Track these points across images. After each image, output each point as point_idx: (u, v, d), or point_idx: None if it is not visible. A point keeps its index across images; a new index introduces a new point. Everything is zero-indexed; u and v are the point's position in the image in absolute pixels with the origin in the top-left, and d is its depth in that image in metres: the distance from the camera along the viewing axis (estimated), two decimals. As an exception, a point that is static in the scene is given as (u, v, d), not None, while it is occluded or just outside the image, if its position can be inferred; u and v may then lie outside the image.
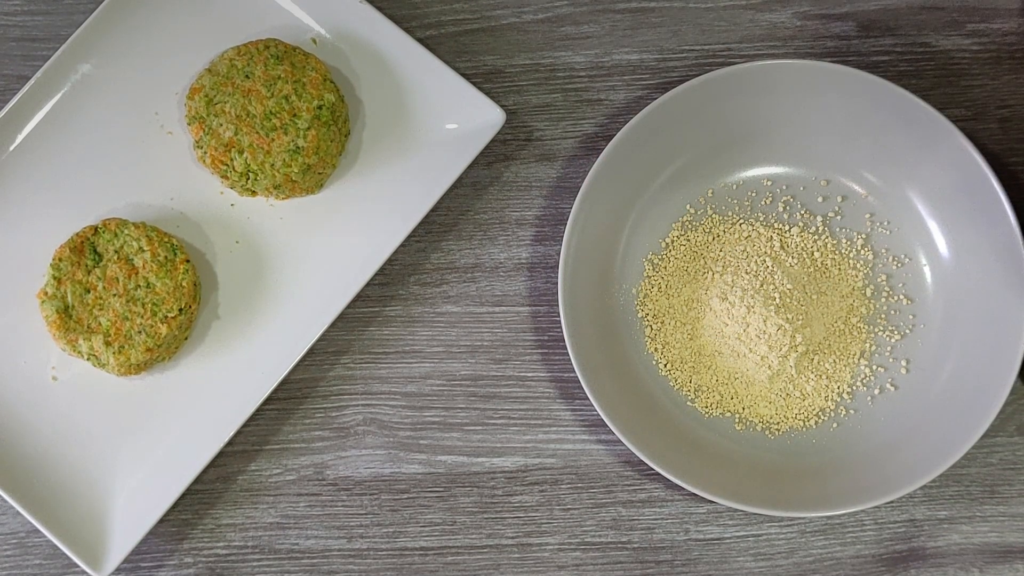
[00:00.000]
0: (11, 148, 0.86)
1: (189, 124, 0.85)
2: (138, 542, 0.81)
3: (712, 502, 0.84)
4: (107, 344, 0.82)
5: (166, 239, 0.84)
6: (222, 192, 0.88)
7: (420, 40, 0.88)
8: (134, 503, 0.83)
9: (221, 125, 0.84)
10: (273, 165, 0.83)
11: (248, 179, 0.84)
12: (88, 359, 0.83)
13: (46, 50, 0.88)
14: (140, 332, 0.82)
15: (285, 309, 0.86)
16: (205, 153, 0.84)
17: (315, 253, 0.87)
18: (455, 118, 0.87)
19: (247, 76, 0.84)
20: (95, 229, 0.84)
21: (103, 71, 0.88)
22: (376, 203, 0.87)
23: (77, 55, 0.87)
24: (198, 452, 0.83)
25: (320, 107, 0.84)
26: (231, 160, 0.84)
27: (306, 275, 0.86)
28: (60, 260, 0.83)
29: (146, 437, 0.85)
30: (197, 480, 0.85)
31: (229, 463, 0.86)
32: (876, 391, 0.86)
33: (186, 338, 0.85)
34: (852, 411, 0.86)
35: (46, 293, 0.83)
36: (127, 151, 0.88)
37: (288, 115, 0.83)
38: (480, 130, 0.86)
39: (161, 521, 0.84)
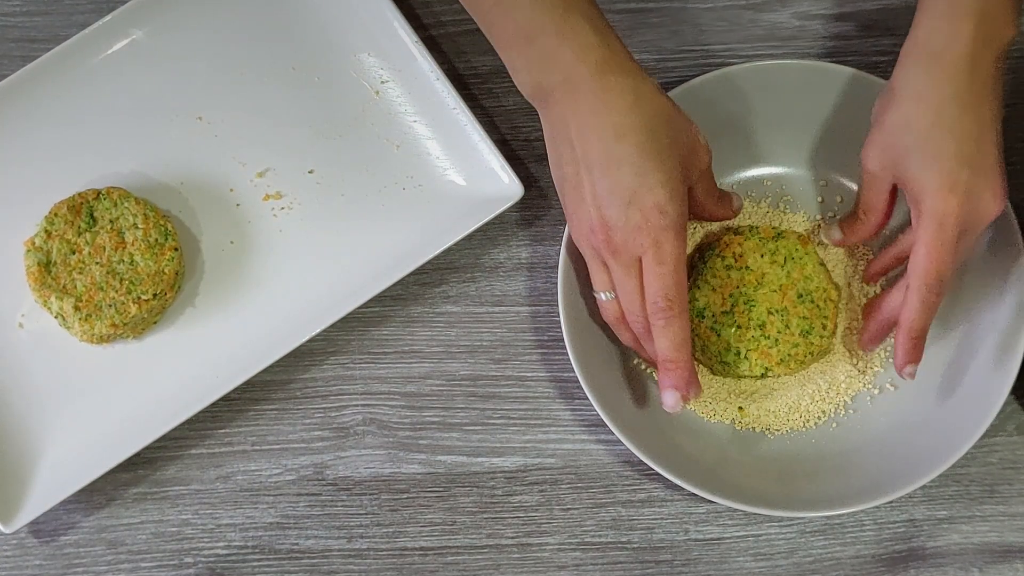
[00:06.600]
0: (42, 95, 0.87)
1: None
2: (52, 507, 0.81)
3: (712, 502, 0.84)
4: (76, 309, 0.83)
5: (162, 222, 0.85)
6: (231, 189, 0.88)
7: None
8: (59, 468, 0.83)
9: None
10: None
11: None
12: (56, 317, 0.83)
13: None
14: (111, 306, 0.83)
15: (256, 320, 0.86)
16: None
17: (301, 273, 0.87)
18: (472, 180, 0.87)
19: None
20: (98, 194, 0.84)
21: (153, 41, 0.89)
22: (377, 244, 0.87)
23: (132, 19, 0.88)
24: (137, 434, 0.82)
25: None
26: None
27: (286, 292, 0.86)
28: (56, 215, 0.84)
29: (91, 406, 0.84)
30: (197, 480, 0.85)
31: (229, 463, 0.86)
32: (876, 391, 0.86)
33: (155, 322, 0.85)
34: (852, 411, 0.85)
35: (33, 243, 0.84)
36: (152, 123, 0.88)
37: None
38: (495, 199, 0.86)
39: (160, 521, 0.84)
